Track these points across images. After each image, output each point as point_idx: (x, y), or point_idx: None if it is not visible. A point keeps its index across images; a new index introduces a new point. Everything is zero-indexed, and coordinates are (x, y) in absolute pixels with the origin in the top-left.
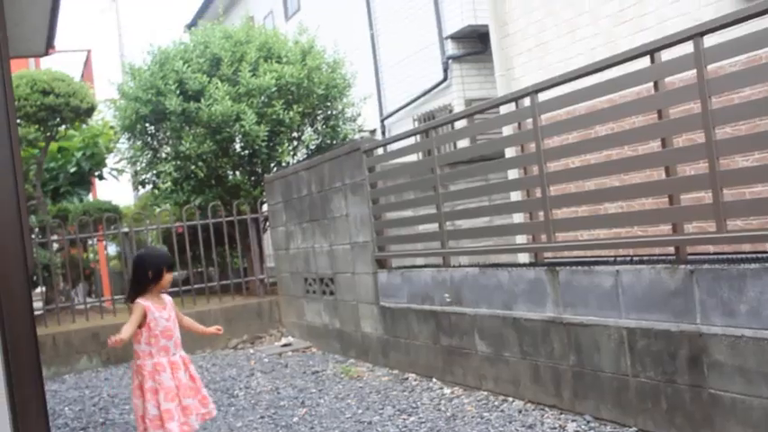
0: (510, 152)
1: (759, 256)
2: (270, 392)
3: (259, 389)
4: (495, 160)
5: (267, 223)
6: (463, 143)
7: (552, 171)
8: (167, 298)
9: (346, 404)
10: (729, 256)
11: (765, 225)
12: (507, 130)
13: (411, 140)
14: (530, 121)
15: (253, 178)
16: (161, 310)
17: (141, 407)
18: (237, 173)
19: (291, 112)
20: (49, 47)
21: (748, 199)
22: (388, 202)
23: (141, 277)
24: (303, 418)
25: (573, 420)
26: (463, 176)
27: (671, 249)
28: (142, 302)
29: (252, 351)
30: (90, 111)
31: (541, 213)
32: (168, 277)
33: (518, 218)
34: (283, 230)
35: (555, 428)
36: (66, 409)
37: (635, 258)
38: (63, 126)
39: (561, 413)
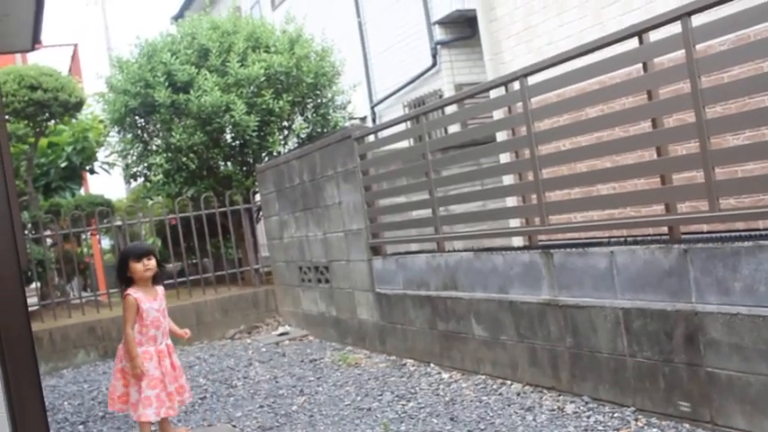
0: (501, 136)
1: (752, 233)
2: (268, 381)
3: (257, 378)
4: (487, 145)
5: (260, 213)
6: (454, 128)
7: (544, 154)
8: (160, 289)
9: (345, 391)
10: (723, 235)
11: (758, 203)
12: (498, 115)
13: (402, 127)
14: (520, 104)
15: (244, 168)
16: (151, 300)
17: (120, 389)
18: (229, 163)
19: (281, 102)
20: (35, 42)
21: (740, 177)
22: (381, 189)
23: (119, 272)
24: (302, 407)
25: (571, 402)
26: (455, 161)
27: (665, 229)
28: (132, 294)
29: (249, 341)
30: (79, 105)
31: (534, 196)
32: (138, 266)
33: (511, 202)
34: (277, 220)
35: (554, 410)
36: (66, 403)
37: (629, 239)
38: (52, 121)
39: (560, 395)
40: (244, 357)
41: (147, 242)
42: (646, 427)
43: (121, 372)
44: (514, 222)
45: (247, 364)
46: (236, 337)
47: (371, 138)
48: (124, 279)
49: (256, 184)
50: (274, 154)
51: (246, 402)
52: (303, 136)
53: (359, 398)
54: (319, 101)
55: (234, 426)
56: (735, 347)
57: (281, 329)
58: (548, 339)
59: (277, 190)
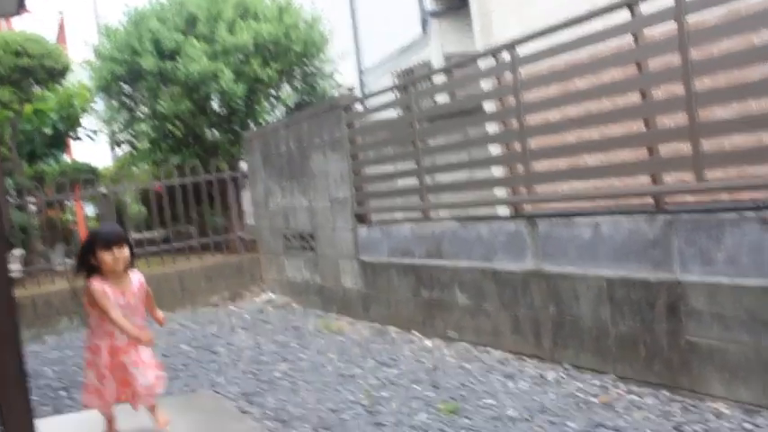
0: (489, 107)
1: (737, 205)
2: (251, 348)
3: (240, 345)
4: (475, 115)
5: (246, 181)
6: (442, 98)
7: (531, 125)
8: (136, 278)
9: (328, 358)
10: (707, 206)
11: (743, 175)
12: (486, 85)
13: (390, 96)
14: (509, 74)
15: (231, 137)
16: (118, 295)
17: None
18: (215, 132)
19: (269, 70)
20: (20, 6)
21: (727, 150)
22: (368, 158)
23: (82, 257)
24: (285, 373)
25: (553, 369)
26: (442, 131)
27: (650, 200)
28: (97, 284)
29: (233, 308)
30: (64, 72)
31: (521, 166)
32: (107, 257)
33: (498, 172)
34: (263, 188)
35: (535, 377)
36: (48, 369)
37: (614, 209)
38: (37, 87)
39: (541, 362)
40: (227, 324)
41: (117, 226)
42: (625, 395)
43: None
44: (500, 192)
45: (231, 330)
46: (220, 305)
47: (359, 107)
48: (88, 266)
49: (242, 152)
50: (261, 123)
51: (229, 369)
52: (291, 105)
53: (341, 364)
54: (307, 70)
55: (216, 392)
56: (716, 317)
57: (264, 297)
58: (531, 308)
59: (263, 158)
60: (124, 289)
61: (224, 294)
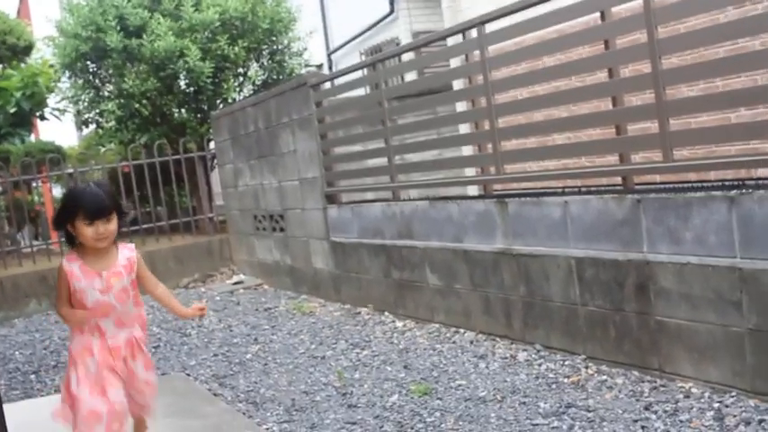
0: (458, 85)
1: (704, 184)
2: (222, 330)
3: (212, 327)
4: (444, 93)
5: (215, 161)
6: (411, 76)
7: (500, 103)
8: (124, 255)
9: (299, 339)
10: (676, 185)
11: (710, 154)
12: (455, 63)
13: (358, 74)
14: (477, 52)
15: (199, 116)
16: (93, 277)
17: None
18: (183, 110)
19: (236, 48)
20: None
21: (694, 128)
22: (337, 137)
23: (58, 221)
24: (257, 355)
25: (524, 350)
26: (411, 110)
27: (619, 180)
28: (65, 265)
29: (203, 290)
30: (28, 49)
31: (490, 145)
32: (87, 231)
33: (467, 151)
34: (231, 168)
35: (506, 358)
36: (17, 353)
37: (583, 189)
38: (0, 65)
39: (512, 343)
40: None
41: (103, 192)
42: (596, 375)
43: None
44: (470, 172)
45: None
46: (190, 286)
47: (327, 85)
48: (66, 234)
49: (211, 131)
50: (229, 101)
51: (200, 351)
52: (259, 83)
53: (313, 346)
54: (275, 47)
55: (188, 374)
56: (684, 296)
57: (235, 278)
58: (501, 288)
59: (232, 138)
60: (104, 268)
61: (194, 276)
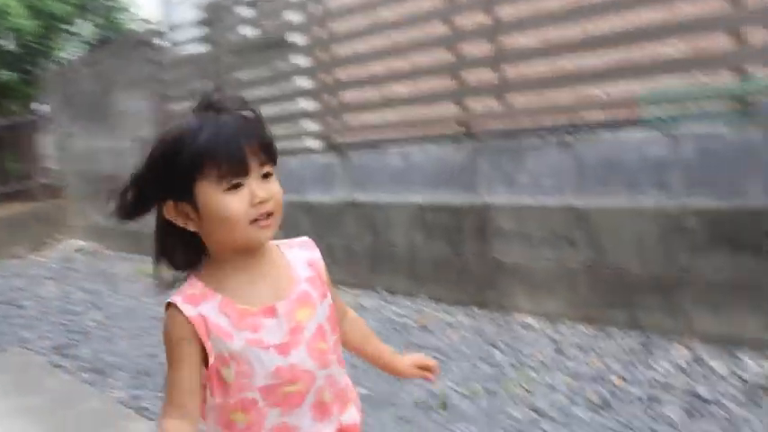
0: (298, 39)
1: (538, 130)
2: (61, 299)
3: (49, 296)
4: (284, 47)
5: (47, 124)
6: (250, 31)
7: (341, 56)
8: (301, 258)
9: (142, 303)
10: (511, 131)
11: (544, 102)
12: (295, 17)
13: (195, 31)
14: (317, 6)
15: (26, 77)
16: (257, 320)
17: None
18: (7, 71)
19: (63, 4)
20: None
21: (529, 77)
22: (175, 95)
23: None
24: (99, 322)
25: (370, 297)
26: (250, 65)
27: (458, 128)
28: (185, 310)
29: (39, 258)
30: None
31: (331, 98)
32: (232, 203)
33: (309, 105)
34: (65, 130)
35: (354, 306)
36: None
37: (424, 138)
38: None
39: (360, 290)
40: (34, 276)
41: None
42: (440, 314)
43: None
44: (312, 126)
45: (37, 282)
46: (24, 255)
47: (163, 42)
48: (162, 231)
49: (41, 93)
50: (60, 61)
51: (38, 322)
52: (92, 42)
53: (158, 308)
54: (109, 4)
55: (26, 348)
56: (521, 236)
57: (73, 244)
58: (346, 238)
59: (65, 99)
60: (277, 296)
61: (27, 244)
